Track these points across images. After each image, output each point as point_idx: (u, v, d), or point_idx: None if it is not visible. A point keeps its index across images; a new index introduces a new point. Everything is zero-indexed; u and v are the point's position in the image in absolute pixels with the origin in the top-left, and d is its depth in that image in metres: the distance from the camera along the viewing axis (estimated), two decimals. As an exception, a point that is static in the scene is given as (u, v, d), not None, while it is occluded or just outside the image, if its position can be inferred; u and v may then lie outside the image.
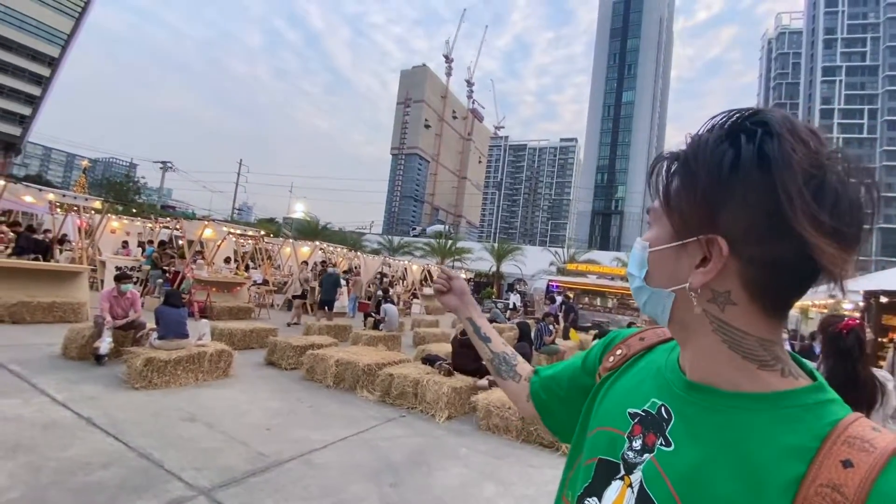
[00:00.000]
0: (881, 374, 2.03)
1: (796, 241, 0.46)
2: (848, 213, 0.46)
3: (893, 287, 9.12)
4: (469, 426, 4.92)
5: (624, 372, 0.70)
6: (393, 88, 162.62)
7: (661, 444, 0.55)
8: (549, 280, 19.98)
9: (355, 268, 17.85)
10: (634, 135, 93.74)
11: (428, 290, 20.86)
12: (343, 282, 14.40)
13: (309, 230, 34.66)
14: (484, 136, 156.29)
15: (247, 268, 11.91)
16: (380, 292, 13.80)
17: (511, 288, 19.46)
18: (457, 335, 6.32)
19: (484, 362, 0.98)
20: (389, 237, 42.81)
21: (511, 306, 19.01)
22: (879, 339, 9.05)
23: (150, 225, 16.54)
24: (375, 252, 29.65)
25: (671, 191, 0.54)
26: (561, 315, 12.26)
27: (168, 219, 16.13)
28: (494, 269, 31.58)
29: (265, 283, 13.08)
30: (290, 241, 17.50)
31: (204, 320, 6.53)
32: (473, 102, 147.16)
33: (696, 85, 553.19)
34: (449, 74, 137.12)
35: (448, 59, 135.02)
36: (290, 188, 76.35)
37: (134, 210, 24.23)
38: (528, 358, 6.55)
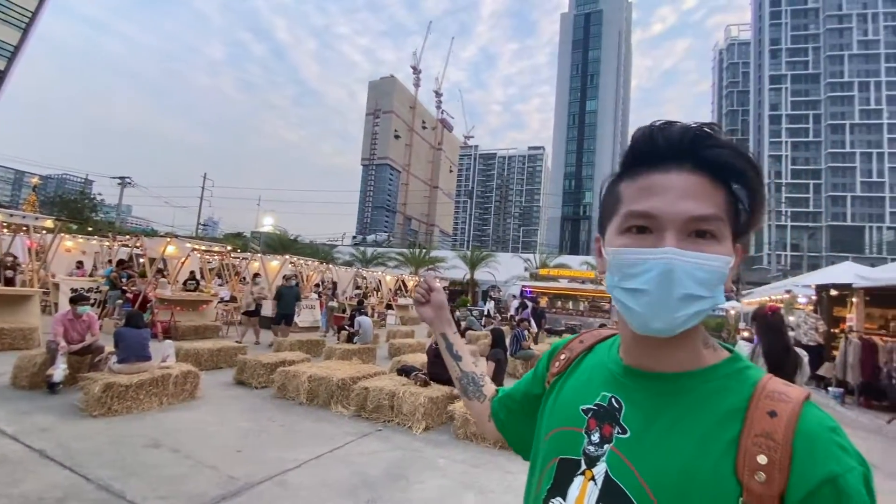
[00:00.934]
0: (799, 351, 2.86)
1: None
2: None
3: (842, 280, 9.60)
4: (447, 436, 4.89)
5: (570, 374, 0.72)
6: (361, 99, 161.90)
7: (618, 433, 0.58)
8: (523, 285, 20.19)
9: (327, 280, 17.54)
10: (599, 142, 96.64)
11: (403, 301, 20.72)
12: (315, 295, 14.13)
13: (278, 244, 33.89)
14: (454, 146, 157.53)
15: (197, 285, 11.29)
16: (333, 302, 13.60)
17: (486, 296, 19.54)
18: (432, 345, 6.29)
19: (452, 379, 0.98)
20: (363, 248, 42.43)
21: (486, 313, 19.13)
22: (832, 330, 9.45)
23: (107, 243, 15.78)
24: (348, 264, 29.28)
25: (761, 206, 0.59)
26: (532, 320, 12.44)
27: (127, 236, 15.33)
28: (468, 276, 31.70)
29: (232, 299, 12.67)
30: (259, 255, 17.05)
31: (168, 341, 6.23)
32: (442, 112, 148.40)
33: (654, 94, 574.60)
34: (417, 85, 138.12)
35: (416, 70, 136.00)
36: (259, 201, 73.74)
37: (90, 228, 23.01)
38: (502, 364, 6.60)
